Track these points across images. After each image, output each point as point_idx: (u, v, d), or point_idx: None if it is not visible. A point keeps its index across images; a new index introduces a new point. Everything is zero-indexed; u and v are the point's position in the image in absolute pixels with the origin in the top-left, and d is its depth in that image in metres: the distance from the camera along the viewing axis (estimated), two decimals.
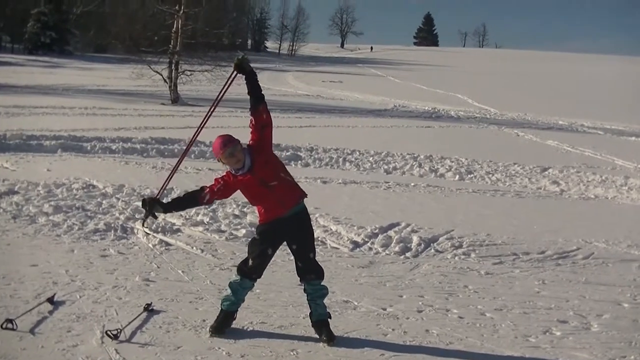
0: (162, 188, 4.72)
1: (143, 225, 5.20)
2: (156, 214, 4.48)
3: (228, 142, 4.28)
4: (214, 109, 4.55)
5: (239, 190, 4.45)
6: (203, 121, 4.57)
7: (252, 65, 4.42)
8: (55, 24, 51.70)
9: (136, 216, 7.40)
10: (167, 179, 4.73)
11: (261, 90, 4.40)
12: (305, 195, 4.50)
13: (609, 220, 8.90)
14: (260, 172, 4.31)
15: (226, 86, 4.45)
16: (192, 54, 25.80)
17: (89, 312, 4.71)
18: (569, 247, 7.18)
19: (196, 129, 4.65)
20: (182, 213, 7.60)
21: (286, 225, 4.41)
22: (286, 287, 5.38)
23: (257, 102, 4.35)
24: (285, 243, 4.54)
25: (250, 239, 4.64)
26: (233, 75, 4.40)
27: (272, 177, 4.35)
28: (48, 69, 37.67)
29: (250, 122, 4.40)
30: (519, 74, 49.81)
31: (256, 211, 4.59)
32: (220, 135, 4.38)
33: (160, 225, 7.10)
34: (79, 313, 4.69)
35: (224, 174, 4.42)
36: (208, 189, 4.41)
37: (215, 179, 4.45)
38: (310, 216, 7.50)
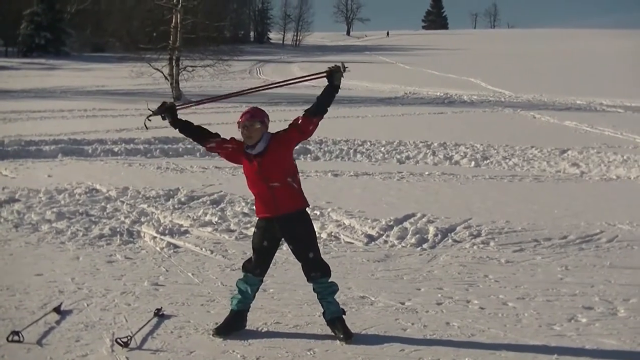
0: (186, 105, 4.82)
1: (147, 118, 5.02)
2: (165, 117, 4.58)
3: (252, 115, 4.30)
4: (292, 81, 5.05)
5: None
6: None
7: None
8: (49, 24, 49.39)
9: (142, 220, 7.29)
10: (195, 102, 5.01)
11: (329, 106, 4.39)
12: (307, 206, 4.43)
13: (633, 201, 8.68)
14: (266, 170, 4.26)
15: (305, 78, 4.72)
16: (192, 49, 25.32)
17: (98, 320, 4.63)
18: (591, 231, 7.00)
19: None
20: (190, 214, 7.53)
21: (278, 224, 4.35)
22: (300, 286, 5.24)
23: (318, 111, 4.35)
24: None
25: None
26: (318, 76, 4.43)
27: (276, 178, 4.29)
28: (44, 71, 37.20)
29: (297, 120, 4.37)
30: (534, 54, 48.94)
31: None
32: (253, 107, 4.44)
33: (168, 227, 7.00)
34: (87, 322, 4.61)
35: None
36: (219, 140, 4.43)
37: (232, 138, 4.47)
38: (322, 211, 7.61)
